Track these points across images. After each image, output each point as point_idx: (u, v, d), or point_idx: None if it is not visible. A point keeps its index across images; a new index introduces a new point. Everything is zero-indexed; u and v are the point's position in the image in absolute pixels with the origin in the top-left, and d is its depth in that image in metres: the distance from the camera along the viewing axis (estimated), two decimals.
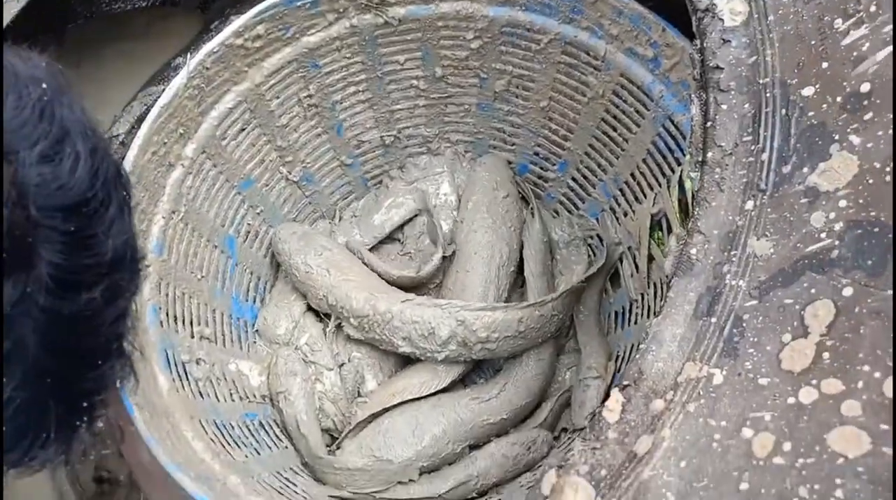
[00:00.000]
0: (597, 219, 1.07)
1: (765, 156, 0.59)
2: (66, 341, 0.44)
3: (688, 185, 0.89)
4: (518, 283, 1.05)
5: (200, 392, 0.82)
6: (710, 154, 0.62)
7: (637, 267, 0.97)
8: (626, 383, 0.56)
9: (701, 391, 0.52)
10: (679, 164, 0.88)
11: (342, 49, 0.95)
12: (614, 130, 0.96)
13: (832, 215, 0.53)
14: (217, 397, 0.85)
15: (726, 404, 0.51)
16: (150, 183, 0.82)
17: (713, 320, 0.55)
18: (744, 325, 0.53)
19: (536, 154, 1.09)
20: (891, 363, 0.44)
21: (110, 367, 0.49)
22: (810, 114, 0.58)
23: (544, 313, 0.92)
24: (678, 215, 0.90)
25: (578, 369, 0.99)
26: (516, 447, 0.91)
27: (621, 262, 1.02)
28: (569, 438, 0.95)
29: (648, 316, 0.92)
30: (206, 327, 0.89)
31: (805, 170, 0.56)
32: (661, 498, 0.49)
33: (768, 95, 0.61)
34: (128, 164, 0.78)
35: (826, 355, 0.48)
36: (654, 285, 0.92)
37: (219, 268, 0.94)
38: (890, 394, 0.43)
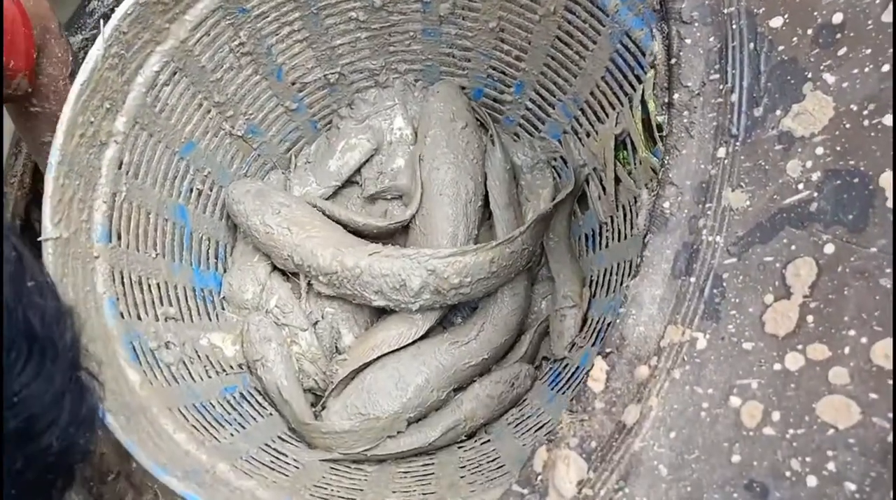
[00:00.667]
0: (559, 141, 1.03)
1: (734, 97, 0.56)
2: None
3: (650, 105, 0.86)
4: (486, 215, 1.02)
5: (175, 377, 0.80)
6: (676, 96, 0.59)
7: (604, 189, 0.95)
8: (608, 350, 0.55)
9: (685, 357, 0.52)
10: (640, 81, 0.84)
11: None
12: (569, 47, 0.91)
13: (809, 164, 0.50)
14: (192, 377, 0.83)
15: (712, 370, 0.50)
16: (84, 168, 0.76)
17: (692, 279, 0.53)
18: (724, 284, 0.52)
19: (490, 77, 1.04)
20: (878, 328, 0.43)
21: (85, 421, 0.46)
22: (780, 48, 0.54)
23: (515, 249, 0.90)
24: (642, 136, 0.87)
25: (554, 298, 0.98)
26: (500, 385, 0.91)
27: (588, 184, 0.99)
28: (550, 368, 0.96)
29: (619, 240, 0.91)
30: (171, 307, 0.85)
31: (778, 113, 0.53)
32: (653, 471, 0.49)
33: (734, 26, 0.57)
34: (55, 152, 0.72)
35: (810, 318, 0.47)
36: (623, 207, 0.90)
37: (174, 241, 0.90)
38: (877, 361, 0.43)
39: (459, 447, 0.90)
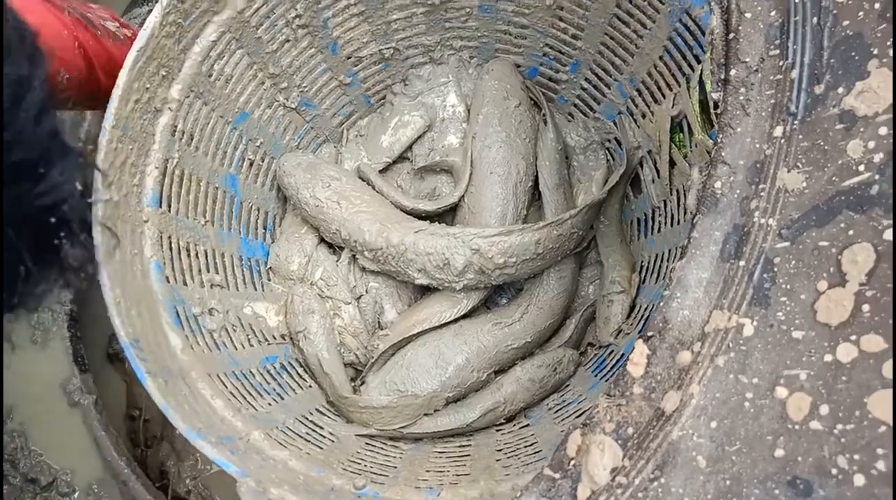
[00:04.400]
0: (614, 122, 1.00)
1: (794, 73, 0.53)
2: None
3: (708, 85, 0.83)
4: (535, 196, 1.00)
5: (216, 344, 0.81)
6: (733, 72, 0.56)
7: (658, 172, 0.92)
8: (650, 333, 0.53)
9: (730, 343, 0.49)
10: (699, 61, 0.81)
11: None
12: (627, 26, 0.89)
13: (871, 145, 0.47)
14: (234, 345, 0.84)
15: (758, 358, 0.48)
16: (138, 133, 0.77)
17: (741, 263, 0.51)
18: (775, 269, 0.49)
19: (546, 55, 1.02)
20: None
21: (58, 171, 0.46)
22: (845, 23, 0.51)
23: (563, 232, 0.88)
24: (699, 117, 0.84)
25: (601, 283, 0.96)
26: (542, 369, 0.90)
27: (641, 166, 0.96)
28: (595, 354, 0.94)
29: (672, 225, 0.88)
30: (217, 274, 0.86)
31: (840, 90, 0.50)
32: (691, 462, 0.47)
33: (797, 0, 0.54)
34: (110, 116, 0.73)
35: (866, 307, 0.44)
36: (677, 191, 0.87)
37: (223, 209, 0.91)
38: None
39: (497, 430, 0.89)
